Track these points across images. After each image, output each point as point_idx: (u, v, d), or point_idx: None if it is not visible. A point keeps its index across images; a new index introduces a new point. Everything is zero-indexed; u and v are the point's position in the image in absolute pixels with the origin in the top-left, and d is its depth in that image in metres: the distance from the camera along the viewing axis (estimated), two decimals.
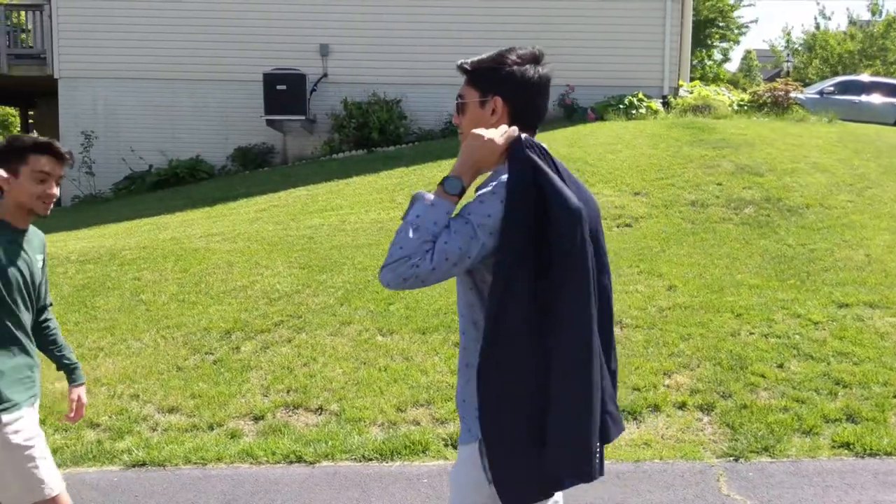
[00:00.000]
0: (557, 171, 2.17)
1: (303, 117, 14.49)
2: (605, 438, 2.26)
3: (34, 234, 3.13)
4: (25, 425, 2.96)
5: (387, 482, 4.42)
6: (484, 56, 2.22)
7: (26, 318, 3.01)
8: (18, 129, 32.23)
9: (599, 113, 13.99)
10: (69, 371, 3.36)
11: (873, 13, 33.09)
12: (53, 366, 6.02)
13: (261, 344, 6.20)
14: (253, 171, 14.33)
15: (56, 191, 3.03)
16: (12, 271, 2.94)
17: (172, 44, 15.11)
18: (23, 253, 3.01)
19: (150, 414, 5.29)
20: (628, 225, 8.72)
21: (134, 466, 4.64)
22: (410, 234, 2.04)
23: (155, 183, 14.44)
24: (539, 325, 2.07)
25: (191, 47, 15.13)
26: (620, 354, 5.81)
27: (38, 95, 18.16)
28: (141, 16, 15.09)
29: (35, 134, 3.03)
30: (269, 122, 14.46)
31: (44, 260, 3.19)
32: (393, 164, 12.27)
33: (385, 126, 14.17)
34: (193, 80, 15.24)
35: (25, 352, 3.04)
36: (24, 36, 16.76)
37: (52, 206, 3.04)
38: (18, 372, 3.01)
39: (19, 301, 2.96)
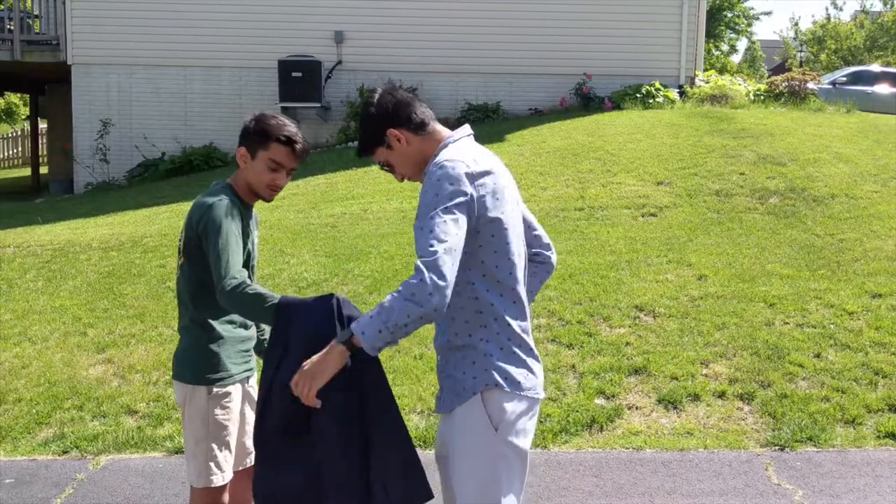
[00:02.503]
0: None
1: (318, 105, 14.43)
2: None
3: (254, 212, 3.12)
4: (229, 405, 2.97)
5: (431, 470, 4.38)
6: (362, 128, 2.56)
7: None
8: (24, 116, 32.19)
9: (616, 102, 13.92)
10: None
11: (885, 3, 32.93)
12: (87, 351, 6.01)
13: None
14: None
15: (285, 181, 3.00)
16: (246, 243, 2.94)
17: (186, 30, 15.04)
18: (249, 229, 2.99)
19: None
20: (653, 214, 8.69)
21: (177, 453, 4.62)
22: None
23: (169, 170, 14.38)
24: None
25: (205, 34, 15.05)
26: (655, 343, 5.80)
27: (48, 82, 18.09)
28: (154, 1, 15.00)
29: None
30: (284, 110, 14.38)
31: (258, 237, 3.18)
32: None
33: None
34: (207, 67, 15.17)
35: (244, 324, 3.05)
36: (36, 22, 16.68)
37: (276, 195, 3.03)
38: (239, 343, 3.01)
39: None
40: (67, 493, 4.22)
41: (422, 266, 2.20)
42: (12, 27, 15.65)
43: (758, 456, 4.50)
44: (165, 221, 9.88)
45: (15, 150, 28.43)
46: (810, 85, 14.97)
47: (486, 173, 2.37)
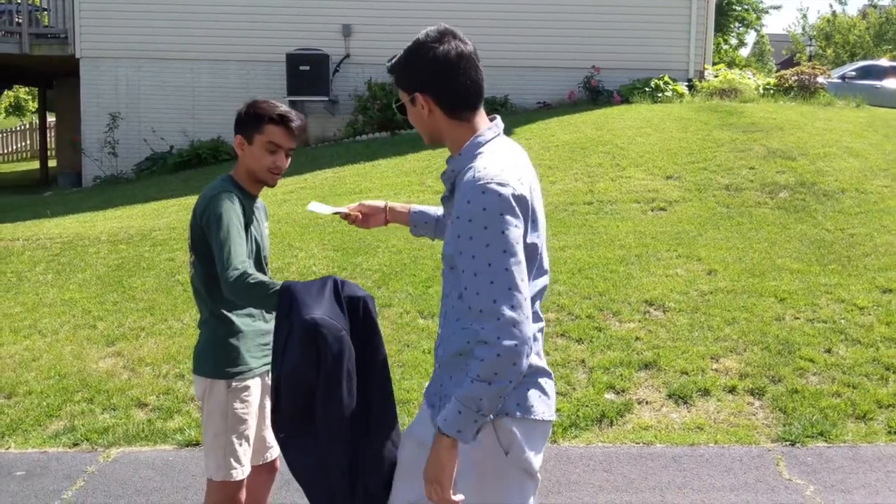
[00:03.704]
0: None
1: (326, 98, 14.42)
2: None
3: (260, 203, 3.10)
4: (248, 399, 2.98)
5: None
6: (399, 54, 2.22)
7: None
8: (33, 110, 32.25)
9: (625, 96, 13.87)
10: None
11: None
12: (97, 344, 6.02)
13: None
14: None
15: (285, 163, 2.95)
16: (249, 235, 2.91)
17: (194, 23, 15.04)
18: (254, 219, 2.97)
19: None
20: (663, 209, 8.66)
21: (187, 446, 4.63)
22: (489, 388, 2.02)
23: (177, 164, 14.39)
24: None
25: (212, 27, 15.04)
26: (665, 338, 5.78)
27: (56, 75, 18.12)
28: None
29: (269, 104, 2.92)
30: (292, 104, 14.35)
31: (267, 228, 3.15)
32: (419, 146, 12.17)
33: None
34: (215, 61, 15.17)
35: (264, 317, 3.04)
36: (44, 15, 16.70)
37: (278, 178, 2.98)
38: (259, 337, 3.01)
39: (253, 265, 2.92)
40: (78, 486, 4.23)
41: (492, 334, 1.97)
42: (20, 20, 15.67)
43: (769, 451, 4.49)
44: (174, 215, 9.89)
45: (23, 144, 28.51)
46: (820, 79, 14.90)
47: (529, 193, 2.13)
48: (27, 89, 32.28)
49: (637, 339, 5.76)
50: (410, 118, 2.26)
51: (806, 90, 14.43)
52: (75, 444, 4.73)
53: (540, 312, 2.26)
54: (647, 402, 5.01)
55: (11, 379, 5.55)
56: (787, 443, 4.57)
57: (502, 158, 2.14)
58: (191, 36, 15.06)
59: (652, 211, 8.63)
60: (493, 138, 2.21)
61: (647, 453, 4.48)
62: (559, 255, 7.35)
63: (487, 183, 2.02)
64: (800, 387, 5.12)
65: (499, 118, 2.28)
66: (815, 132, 11.07)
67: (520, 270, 2.01)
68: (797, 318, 6.07)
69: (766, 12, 37.51)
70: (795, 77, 14.74)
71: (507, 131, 10.74)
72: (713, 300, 6.35)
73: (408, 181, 10.35)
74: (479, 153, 2.16)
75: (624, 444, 4.59)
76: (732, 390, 5.13)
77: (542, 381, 2.24)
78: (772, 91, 14.57)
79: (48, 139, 21.37)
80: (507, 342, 1.96)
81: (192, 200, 11.07)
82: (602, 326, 5.94)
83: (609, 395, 5.08)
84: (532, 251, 2.13)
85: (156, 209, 10.55)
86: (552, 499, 4.00)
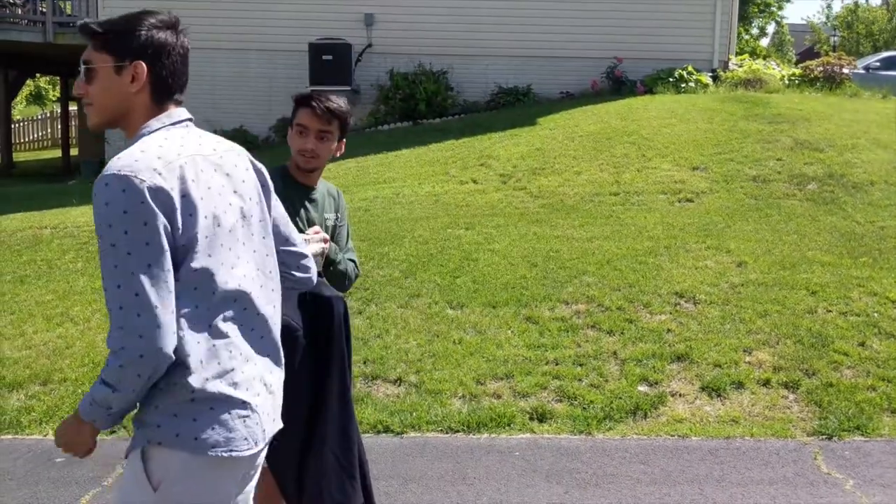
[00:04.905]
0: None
1: (348, 88, 14.39)
2: None
3: (322, 195, 3.06)
4: None
5: (478, 454, 4.42)
6: (117, 17, 2.05)
7: None
8: (54, 99, 32.46)
9: (648, 86, 13.76)
10: None
11: None
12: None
13: None
14: None
15: (312, 145, 2.92)
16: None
17: (216, 13, 15.03)
18: (305, 209, 2.96)
19: None
20: (690, 200, 8.61)
21: None
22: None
23: None
24: None
25: (234, 16, 15.04)
26: (696, 330, 5.75)
27: (80, 64, 18.20)
28: None
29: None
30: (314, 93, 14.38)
31: (337, 218, 3.11)
32: (441, 136, 12.18)
33: (432, 98, 14.05)
34: (236, 50, 15.17)
35: None
36: (67, 4, 16.78)
37: (313, 161, 2.95)
38: None
39: None
40: (118, 473, 4.27)
41: (116, 342, 1.82)
42: (44, 9, 15.75)
43: (805, 445, 4.47)
44: None
45: (43, 132, 28.68)
46: (845, 70, 14.74)
47: (180, 184, 1.88)
48: (47, 78, 32.46)
49: (668, 331, 5.74)
50: (96, 88, 2.00)
51: (832, 81, 14.28)
52: (112, 432, 4.75)
53: (223, 327, 1.94)
54: (680, 395, 5.00)
55: (46, 366, 5.59)
56: (824, 436, 4.55)
57: (153, 145, 1.92)
58: (213, 25, 15.05)
59: (679, 202, 8.59)
60: (156, 130, 2.00)
61: (682, 446, 4.47)
62: (587, 245, 7.33)
63: (114, 174, 1.83)
64: (834, 380, 5.09)
65: (181, 110, 2.08)
66: (842, 123, 10.97)
67: (152, 274, 1.79)
68: (830, 310, 6.02)
69: (789, 1, 37.16)
70: (821, 68, 14.59)
71: (531, 121, 10.68)
72: (744, 292, 6.31)
73: (431, 171, 10.33)
74: (139, 138, 1.97)
75: (659, 437, 4.58)
76: (766, 383, 5.11)
77: (221, 412, 1.92)
78: (797, 82, 14.43)
79: (70, 128, 21.50)
80: (129, 353, 1.80)
81: None
82: (633, 318, 5.92)
83: (642, 388, 5.07)
84: (188, 250, 1.89)
85: None
86: (590, 491, 4.00)
